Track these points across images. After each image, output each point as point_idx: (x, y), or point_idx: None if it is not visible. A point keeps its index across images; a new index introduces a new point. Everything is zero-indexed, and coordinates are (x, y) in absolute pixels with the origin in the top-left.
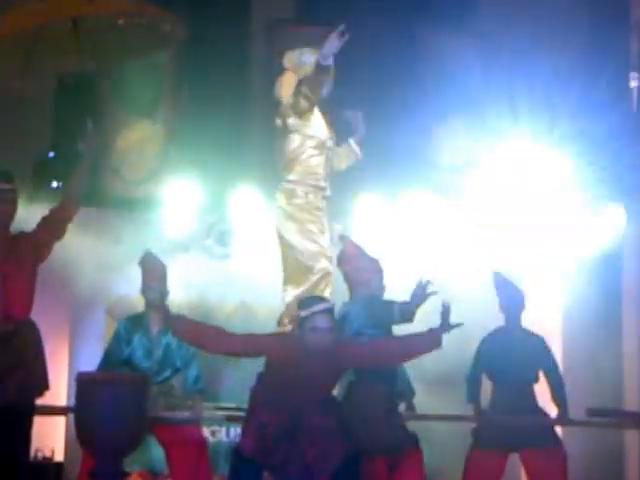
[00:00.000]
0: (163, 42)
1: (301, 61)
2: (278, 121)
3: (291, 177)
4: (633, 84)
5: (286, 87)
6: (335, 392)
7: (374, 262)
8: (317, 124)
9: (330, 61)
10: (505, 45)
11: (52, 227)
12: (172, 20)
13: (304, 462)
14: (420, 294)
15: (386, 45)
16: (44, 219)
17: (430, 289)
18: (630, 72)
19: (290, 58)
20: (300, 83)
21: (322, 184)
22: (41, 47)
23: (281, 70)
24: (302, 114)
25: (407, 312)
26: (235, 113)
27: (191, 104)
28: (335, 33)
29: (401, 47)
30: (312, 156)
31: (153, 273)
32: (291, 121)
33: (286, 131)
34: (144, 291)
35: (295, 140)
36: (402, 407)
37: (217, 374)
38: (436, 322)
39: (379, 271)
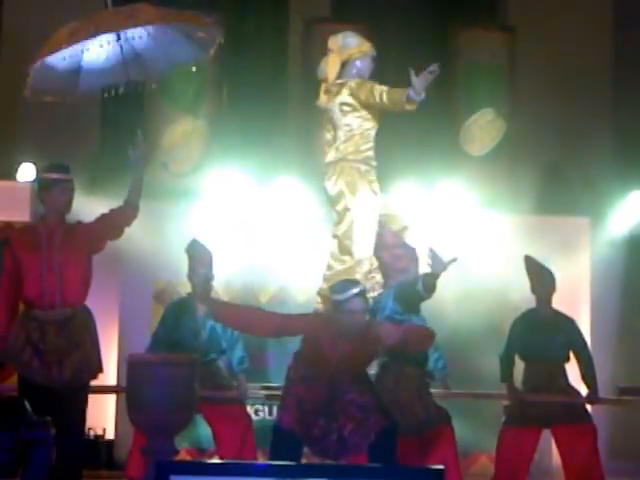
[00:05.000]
0: (201, 49)
1: (345, 43)
2: (324, 98)
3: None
4: None
5: (332, 68)
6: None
7: (411, 250)
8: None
9: (423, 96)
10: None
11: (111, 227)
12: (207, 25)
13: (341, 435)
14: (439, 263)
15: (420, 40)
16: (104, 217)
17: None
18: None
19: (335, 40)
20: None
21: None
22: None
23: (318, 65)
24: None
25: (428, 284)
26: (274, 108)
27: (232, 99)
28: (426, 71)
29: (434, 41)
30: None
31: (199, 260)
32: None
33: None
34: (191, 277)
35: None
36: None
37: (261, 355)
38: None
39: (416, 259)
